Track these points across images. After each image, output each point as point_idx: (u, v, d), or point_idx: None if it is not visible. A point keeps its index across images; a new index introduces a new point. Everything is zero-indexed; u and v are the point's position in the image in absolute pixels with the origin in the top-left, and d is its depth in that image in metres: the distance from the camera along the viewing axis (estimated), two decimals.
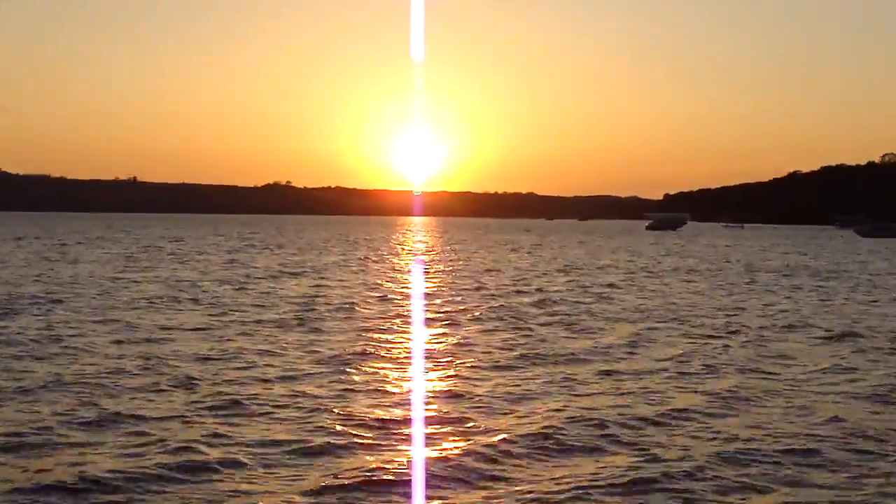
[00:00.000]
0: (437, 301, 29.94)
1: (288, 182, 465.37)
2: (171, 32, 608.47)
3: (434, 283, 38.72)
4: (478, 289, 35.87)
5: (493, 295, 32.83)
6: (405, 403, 13.92)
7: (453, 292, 33.38)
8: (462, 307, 28.19)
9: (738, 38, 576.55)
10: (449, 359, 18.47)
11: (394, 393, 14.87)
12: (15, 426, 12.25)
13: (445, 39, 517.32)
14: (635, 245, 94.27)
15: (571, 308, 28.95)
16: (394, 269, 49.05)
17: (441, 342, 20.78)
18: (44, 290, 30.99)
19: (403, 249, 75.12)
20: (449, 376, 16.51)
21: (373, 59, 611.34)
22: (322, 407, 13.71)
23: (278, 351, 19.09)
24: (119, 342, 19.66)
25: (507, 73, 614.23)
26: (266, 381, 15.69)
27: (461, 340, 21.03)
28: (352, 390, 15.06)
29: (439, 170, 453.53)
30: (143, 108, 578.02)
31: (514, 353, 19.24)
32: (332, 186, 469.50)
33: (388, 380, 16.06)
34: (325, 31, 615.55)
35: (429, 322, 24.50)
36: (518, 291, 34.75)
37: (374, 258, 60.64)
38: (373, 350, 19.40)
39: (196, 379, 15.71)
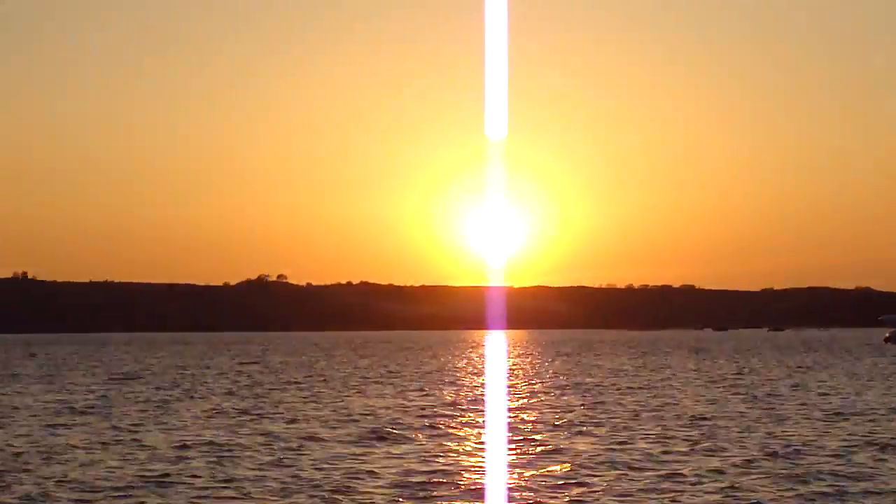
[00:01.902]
0: None
1: (281, 277, 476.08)
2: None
3: None
4: None
5: None
6: None
7: None
8: None
9: None
10: None
11: None
12: None
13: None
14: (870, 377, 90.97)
15: None
16: None
17: None
18: None
19: None
20: None
21: (431, 130, 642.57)
22: None
23: None
24: None
25: (617, 124, 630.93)
26: None
27: None
28: None
29: (528, 260, 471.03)
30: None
31: None
32: (353, 282, 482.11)
33: None
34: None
35: None
36: None
37: None
38: None
39: None
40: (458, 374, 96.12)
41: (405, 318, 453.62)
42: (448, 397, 66.81)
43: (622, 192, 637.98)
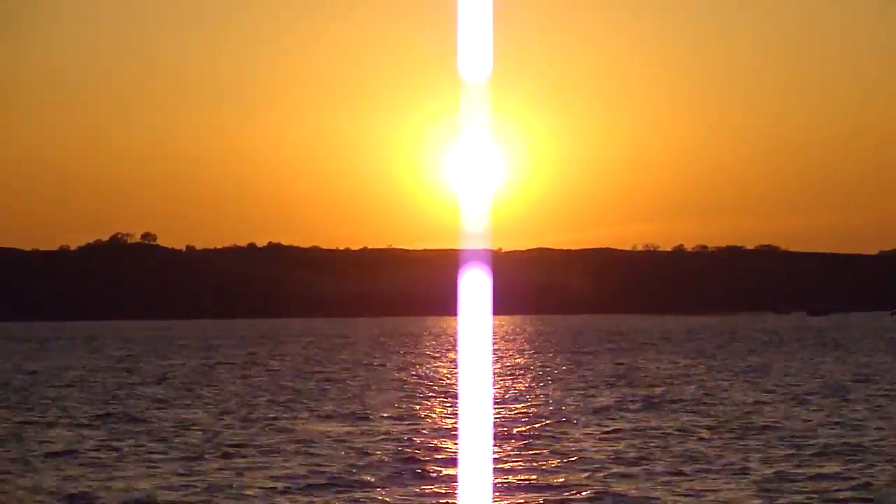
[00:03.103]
0: None
1: (147, 237, 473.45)
2: None
3: None
4: None
5: None
6: None
7: None
8: None
9: None
10: None
11: None
12: None
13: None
14: None
15: None
16: None
17: None
18: None
19: None
20: None
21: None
22: None
23: None
24: None
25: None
26: None
27: None
28: None
29: (520, 206, 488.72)
30: None
31: None
32: (257, 245, 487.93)
33: None
34: None
35: None
36: None
37: None
38: None
39: None
40: None
41: (332, 299, 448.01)
42: None
43: (661, 118, 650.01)
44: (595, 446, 59.70)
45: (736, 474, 52.77)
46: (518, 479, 49.59)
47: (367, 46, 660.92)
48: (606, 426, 68.92)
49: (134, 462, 58.41)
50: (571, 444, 60.30)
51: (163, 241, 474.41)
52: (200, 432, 72.11)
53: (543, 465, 54.20)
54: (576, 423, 69.62)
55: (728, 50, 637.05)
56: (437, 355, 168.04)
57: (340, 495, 47.81)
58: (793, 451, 58.08)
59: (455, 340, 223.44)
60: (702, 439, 63.72)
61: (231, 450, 64.96)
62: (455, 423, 72.59)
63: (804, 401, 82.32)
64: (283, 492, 48.45)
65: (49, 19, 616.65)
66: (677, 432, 65.18)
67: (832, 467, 55.40)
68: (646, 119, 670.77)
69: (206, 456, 59.98)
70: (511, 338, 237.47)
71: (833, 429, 69.93)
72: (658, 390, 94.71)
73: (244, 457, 58.95)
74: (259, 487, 51.48)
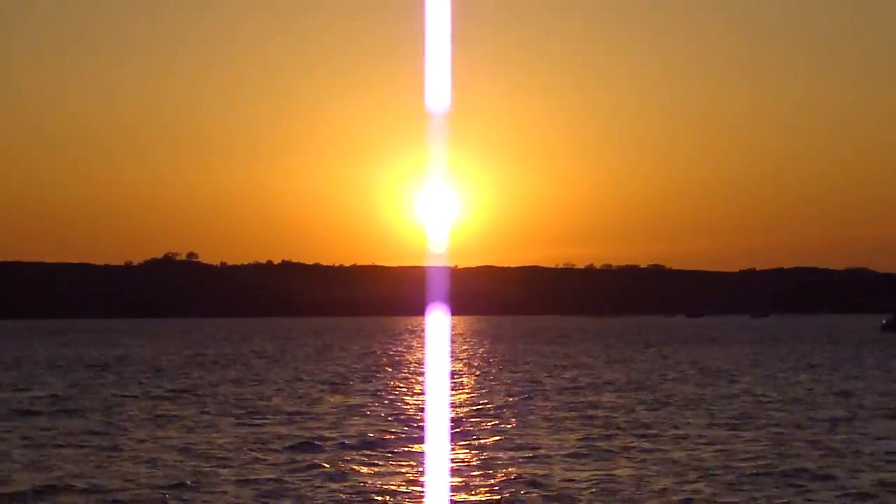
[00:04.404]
0: None
1: (191, 255, 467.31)
2: None
3: None
4: None
5: None
6: None
7: None
8: None
9: None
10: None
11: None
12: None
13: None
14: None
15: None
16: None
17: None
18: None
19: None
20: None
21: (365, 97, 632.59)
22: None
23: None
24: None
25: (574, 87, 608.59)
26: None
27: None
28: None
29: (471, 233, 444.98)
30: None
31: None
32: (274, 262, 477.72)
33: None
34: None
35: None
36: None
37: None
38: None
39: None
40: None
41: (330, 302, 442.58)
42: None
43: (579, 163, 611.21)
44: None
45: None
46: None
47: (360, 107, 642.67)
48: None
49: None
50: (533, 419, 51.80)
51: (203, 258, 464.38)
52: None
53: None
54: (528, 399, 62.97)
55: (628, 110, 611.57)
56: (413, 345, 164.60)
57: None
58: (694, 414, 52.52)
59: (423, 334, 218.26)
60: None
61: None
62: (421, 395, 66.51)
63: (687, 377, 79.74)
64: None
65: (116, 64, 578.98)
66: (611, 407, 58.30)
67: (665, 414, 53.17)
68: (561, 167, 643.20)
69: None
70: (463, 333, 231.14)
71: (683, 383, 74.19)
72: (575, 373, 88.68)
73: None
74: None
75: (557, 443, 44.48)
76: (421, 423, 50.78)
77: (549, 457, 39.83)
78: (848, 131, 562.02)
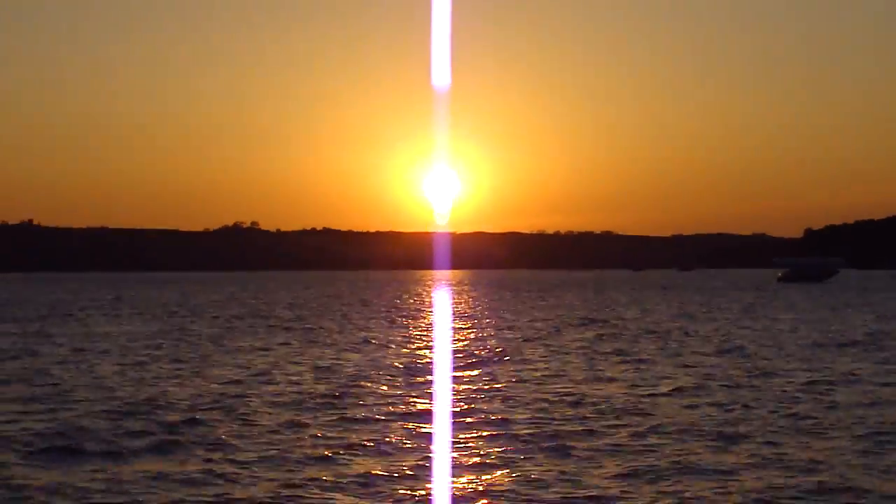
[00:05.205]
0: None
1: (253, 224, 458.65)
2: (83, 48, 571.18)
3: None
4: None
5: None
6: None
7: None
8: None
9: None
10: None
11: None
12: None
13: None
14: (760, 307, 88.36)
15: None
16: None
17: None
18: None
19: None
20: None
21: (380, 82, 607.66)
22: None
23: None
24: None
25: (553, 79, 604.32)
26: None
27: None
28: None
29: (469, 204, 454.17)
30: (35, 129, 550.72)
31: None
32: (317, 228, 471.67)
33: None
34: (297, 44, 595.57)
35: None
36: None
37: None
38: None
39: None
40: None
41: (361, 259, 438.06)
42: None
43: (552, 146, 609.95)
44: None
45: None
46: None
47: (373, 97, 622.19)
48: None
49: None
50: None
51: (262, 225, 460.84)
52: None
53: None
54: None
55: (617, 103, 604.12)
56: (425, 290, 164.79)
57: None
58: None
59: (432, 282, 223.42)
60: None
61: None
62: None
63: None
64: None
65: (187, 65, 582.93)
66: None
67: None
68: (538, 153, 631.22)
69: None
70: (463, 282, 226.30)
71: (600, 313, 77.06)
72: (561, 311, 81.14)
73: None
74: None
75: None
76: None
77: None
78: (750, 127, 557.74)
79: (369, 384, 33.01)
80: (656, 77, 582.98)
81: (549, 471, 19.59)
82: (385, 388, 32.27)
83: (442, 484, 18.48)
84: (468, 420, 25.43)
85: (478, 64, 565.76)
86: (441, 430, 24.00)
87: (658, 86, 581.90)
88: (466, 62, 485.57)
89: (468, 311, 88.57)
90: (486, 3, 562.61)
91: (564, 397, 29.83)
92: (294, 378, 34.68)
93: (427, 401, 28.99)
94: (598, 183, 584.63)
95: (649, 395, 30.02)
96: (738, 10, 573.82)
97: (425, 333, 58.40)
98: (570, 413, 26.77)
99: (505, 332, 59.49)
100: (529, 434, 23.38)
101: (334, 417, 26.06)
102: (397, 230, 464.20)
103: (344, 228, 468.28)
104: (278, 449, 21.63)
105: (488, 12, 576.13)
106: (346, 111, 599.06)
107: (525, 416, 26.03)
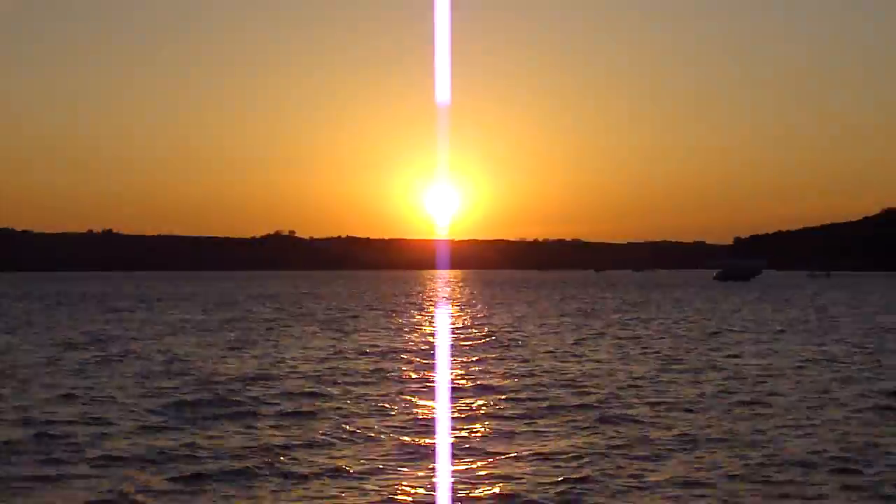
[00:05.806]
0: None
1: (291, 232, 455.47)
2: (147, 62, 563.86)
3: None
4: None
5: None
6: None
7: None
8: None
9: (818, 50, 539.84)
10: None
11: None
12: None
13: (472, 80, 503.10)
14: (702, 300, 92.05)
15: None
16: None
17: None
18: None
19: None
20: None
21: (391, 101, 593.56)
22: None
23: None
24: None
25: (539, 106, 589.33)
26: None
27: None
28: None
29: (466, 216, 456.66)
30: (117, 150, 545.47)
31: None
32: (342, 236, 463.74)
33: None
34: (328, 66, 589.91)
35: None
36: None
37: None
38: None
39: None
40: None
41: (376, 261, 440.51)
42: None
43: (534, 166, 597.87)
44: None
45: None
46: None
47: (378, 114, 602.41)
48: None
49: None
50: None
51: (299, 234, 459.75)
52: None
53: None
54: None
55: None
56: (429, 287, 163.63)
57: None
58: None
59: (434, 280, 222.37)
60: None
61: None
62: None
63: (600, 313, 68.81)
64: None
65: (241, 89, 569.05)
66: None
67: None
68: (524, 167, 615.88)
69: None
70: (459, 280, 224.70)
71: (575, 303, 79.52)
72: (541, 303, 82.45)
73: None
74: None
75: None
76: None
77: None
78: (692, 151, 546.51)
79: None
80: (617, 106, 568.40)
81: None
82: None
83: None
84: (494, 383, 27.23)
85: (477, 81, 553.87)
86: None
87: (618, 115, 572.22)
88: (466, 79, 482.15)
89: (471, 300, 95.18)
90: (484, 35, 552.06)
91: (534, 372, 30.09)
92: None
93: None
94: (570, 199, 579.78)
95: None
96: (681, 43, 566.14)
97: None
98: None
99: (494, 316, 63.93)
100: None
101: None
102: (406, 238, 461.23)
103: (363, 236, 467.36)
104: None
105: (489, 35, 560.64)
106: (363, 134, 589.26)
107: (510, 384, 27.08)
